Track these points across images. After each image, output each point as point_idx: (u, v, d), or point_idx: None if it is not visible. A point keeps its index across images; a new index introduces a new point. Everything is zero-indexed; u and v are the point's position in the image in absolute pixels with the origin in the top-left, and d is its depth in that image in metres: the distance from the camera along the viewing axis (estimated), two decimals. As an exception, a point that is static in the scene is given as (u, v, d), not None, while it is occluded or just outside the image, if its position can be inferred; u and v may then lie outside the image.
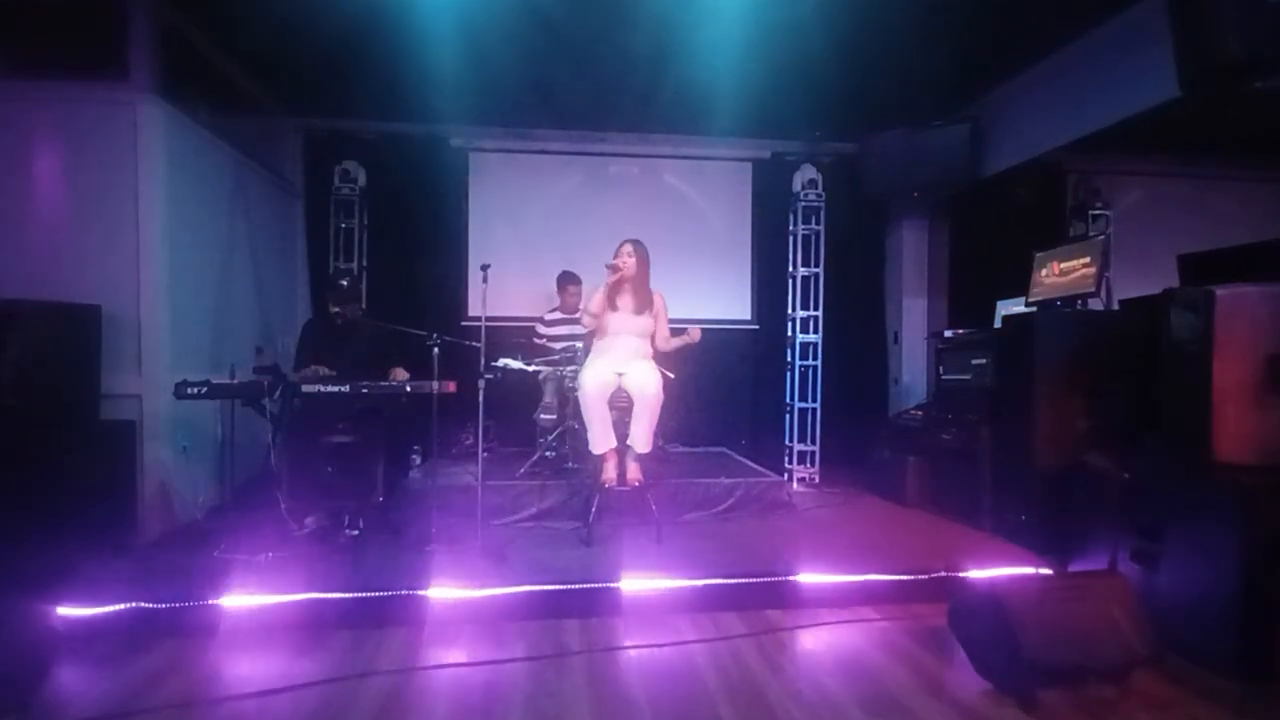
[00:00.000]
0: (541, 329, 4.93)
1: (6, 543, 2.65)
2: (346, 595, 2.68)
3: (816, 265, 5.36)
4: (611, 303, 3.70)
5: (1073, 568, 3.02)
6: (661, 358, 3.81)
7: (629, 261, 3.66)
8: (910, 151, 4.85)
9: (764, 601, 2.90)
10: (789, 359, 5.45)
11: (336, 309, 3.70)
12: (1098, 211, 4.92)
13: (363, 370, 3.39)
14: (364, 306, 3.82)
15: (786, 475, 5.12)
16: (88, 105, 3.39)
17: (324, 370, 3.37)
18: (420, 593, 2.72)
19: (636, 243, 3.73)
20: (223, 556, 3.02)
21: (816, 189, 5.36)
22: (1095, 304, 3.72)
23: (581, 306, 3.84)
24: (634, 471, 3.58)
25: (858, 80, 4.34)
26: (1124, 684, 2.23)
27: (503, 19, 3.62)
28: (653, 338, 3.78)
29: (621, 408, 3.63)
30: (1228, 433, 2.54)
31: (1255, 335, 2.55)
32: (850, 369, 5.57)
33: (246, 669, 2.33)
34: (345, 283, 3.77)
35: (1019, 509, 3.51)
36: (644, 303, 3.72)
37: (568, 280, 4.93)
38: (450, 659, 2.41)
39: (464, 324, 5.05)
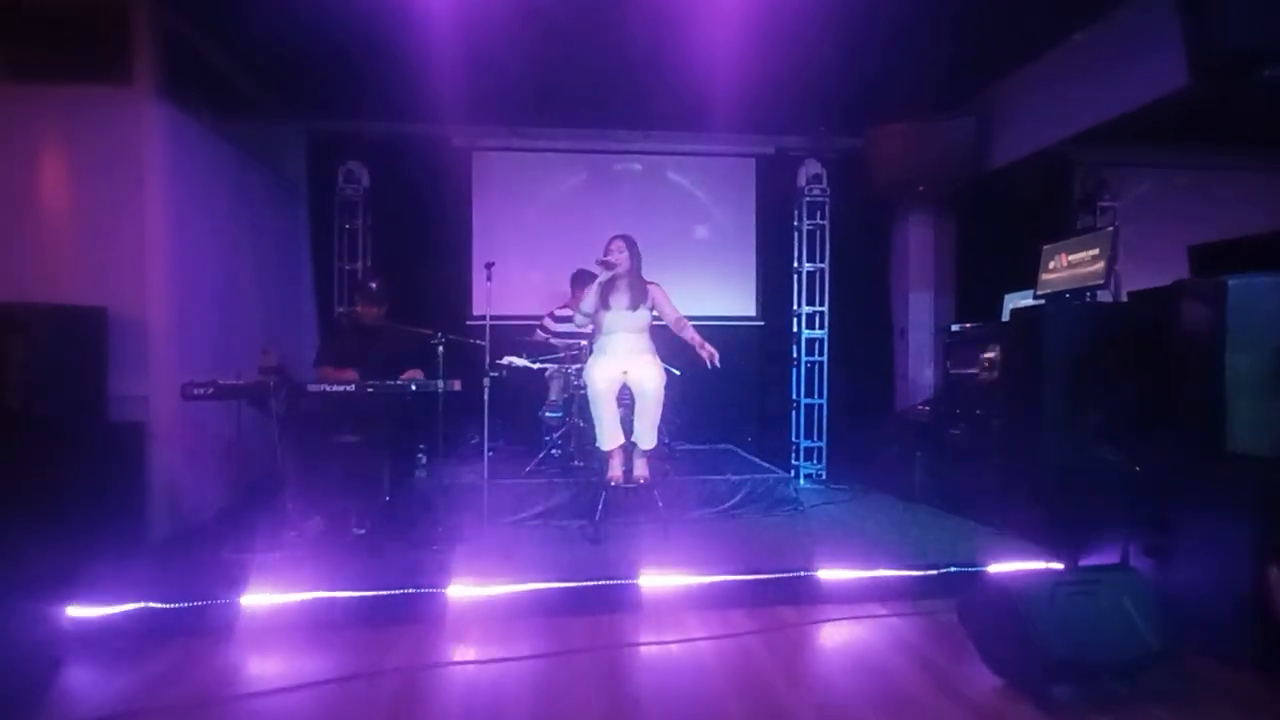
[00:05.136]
0: (549, 324, 4.91)
1: (16, 543, 2.66)
2: (355, 594, 2.68)
3: (822, 260, 5.33)
4: (605, 301, 3.68)
5: (1084, 562, 2.99)
6: (668, 351, 3.79)
7: (621, 258, 3.64)
8: (915, 145, 4.81)
9: (772, 598, 2.89)
10: (795, 355, 5.42)
11: (363, 311, 3.70)
12: (1106, 204, 4.88)
13: (385, 374, 3.38)
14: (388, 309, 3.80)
15: (793, 472, 5.11)
16: (92, 109, 3.39)
17: (351, 378, 3.36)
18: (428, 591, 2.72)
19: (626, 238, 3.70)
20: (231, 556, 3.02)
21: (821, 184, 5.33)
22: (1104, 296, 3.68)
23: (576, 307, 3.81)
24: (641, 468, 3.57)
25: (862, 74, 4.30)
26: (1137, 679, 2.20)
27: (504, 18, 3.61)
28: (657, 330, 3.75)
29: (627, 405, 3.63)
30: (1240, 424, 2.52)
31: (1267, 326, 2.53)
32: (857, 364, 5.54)
33: (255, 668, 2.33)
34: (374, 285, 3.76)
35: (1029, 503, 3.49)
36: (639, 297, 3.68)
37: (585, 278, 4.90)
38: (459, 657, 2.41)
39: (469, 323, 5.04)
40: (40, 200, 3.35)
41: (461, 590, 2.74)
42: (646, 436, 3.56)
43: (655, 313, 3.72)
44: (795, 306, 5.41)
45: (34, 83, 3.37)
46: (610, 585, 2.86)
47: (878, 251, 5.76)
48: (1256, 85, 3.01)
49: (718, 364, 3.55)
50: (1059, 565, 3.03)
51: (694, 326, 3.70)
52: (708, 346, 3.57)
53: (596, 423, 3.57)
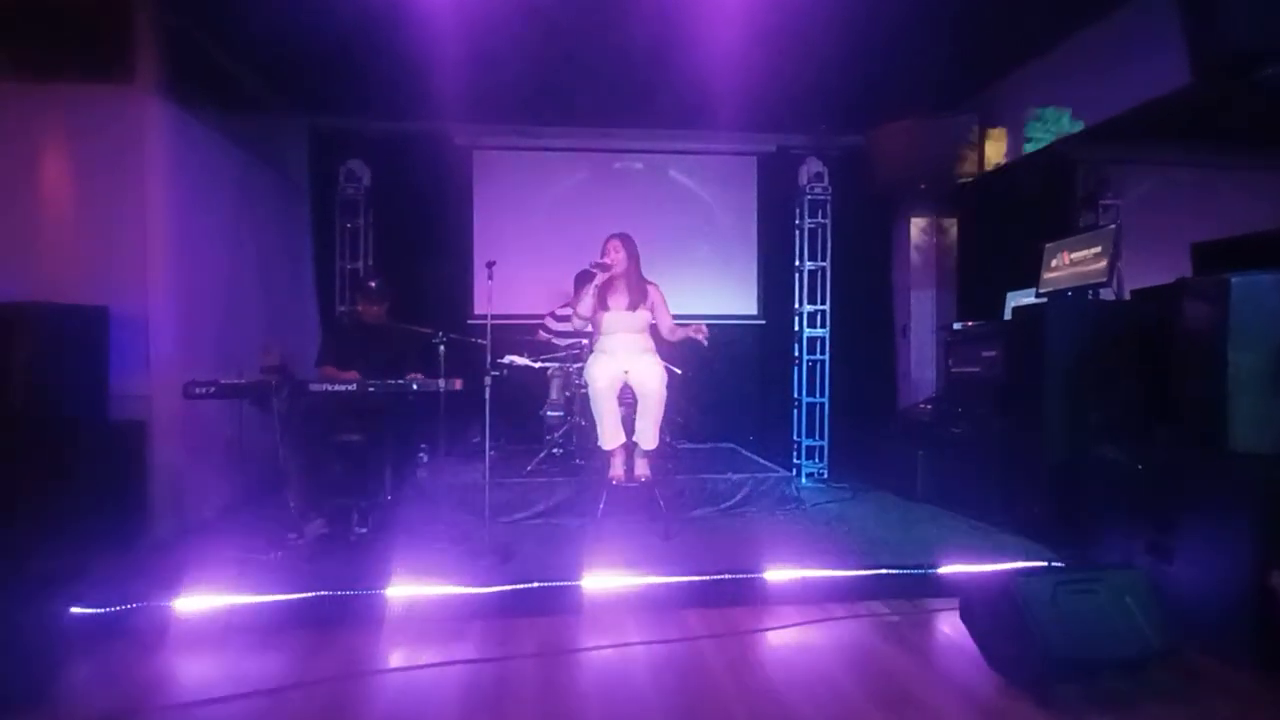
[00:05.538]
0: (551, 323, 4.91)
1: (19, 543, 2.66)
2: (355, 593, 2.69)
3: (823, 259, 5.33)
4: (603, 301, 3.66)
5: (1086, 561, 2.99)
6: (669, 351, 3.79)
7: (618, 258, 3.63)
8: (917, 143, 4.80)
9: (774, 597, 2.88)
10: (796, 354, 5.42)
11: (364, 310, 3.70)
12: (1108, 202, 4.87)
13: (387, 373, 3.38)
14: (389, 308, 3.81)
15: (795, 470, 5.11)
16: (94, 107, 3.39)
17: (353, 377, 3.37)
18: (429, 590, 2.72)
19: (623, 237, 3.69)
20: (234, 555, 3.03)
21: (823, 182, 5.33)
22: (1107, 294, 3.68)
23: (573, 309, 3.81)
24: (641, 468, 3.57)
25: (864, 72, 4.30)
26: (1139, 677, 2.20)
27: (505, 16, 3.61)
28: (656, 329, 3.74)
29: (628, 404, 3.62)
30: (1242, 422, 2.51)
31: (1270, 323, 2.52)
32: (858, 363, 5.54)
33: (257, 666, 2.33)
34: (375, 284, 3.75)
35: (1031, 502, 3.48)
36: (638, 297, 3.66)
37: (588, 278, 4.89)
38: (460, 655, 2.41)
39: (470, 322, 5.05)
40: (42, 199, 3.34)
41: (460, 590, 2.74)
42: (648, 436, 3.56)
43: (652, 315, 3.71)
44: (797, 305, 5.41)
45: (35, 81, 3.36)
46: (610, 584, 2.85)
47: (879, 250, 5.75)
48: (1258, 84, 3.00)
49: (706, 334, 3.54)
50: (1061, 563, 3.04)
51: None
52: (699, 327, 3.56)
53: (598, 422, 3.57)
